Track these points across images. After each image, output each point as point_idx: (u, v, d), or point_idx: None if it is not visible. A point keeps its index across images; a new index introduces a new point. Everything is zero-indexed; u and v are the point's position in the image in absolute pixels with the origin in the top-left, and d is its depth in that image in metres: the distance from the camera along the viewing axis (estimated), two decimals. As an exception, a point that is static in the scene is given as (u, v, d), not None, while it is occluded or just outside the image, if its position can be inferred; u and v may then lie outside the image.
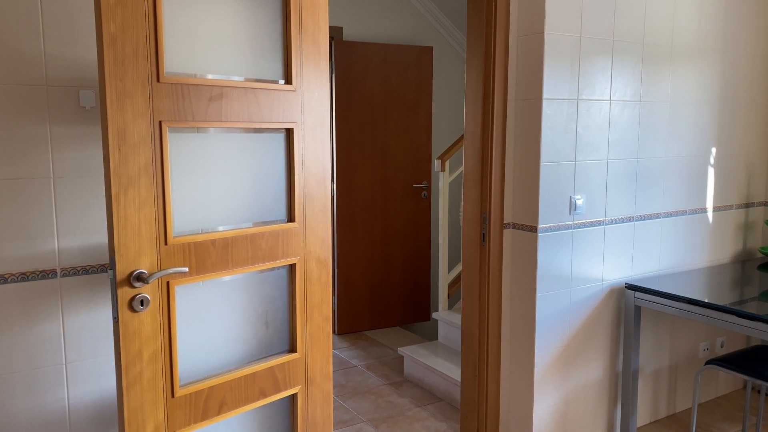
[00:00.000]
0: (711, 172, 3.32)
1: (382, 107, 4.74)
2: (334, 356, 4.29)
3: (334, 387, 3.76)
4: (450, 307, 4.27)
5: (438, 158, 4.10)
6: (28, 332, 1.93)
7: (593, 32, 2.74)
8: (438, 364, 3.67)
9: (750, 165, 3.49)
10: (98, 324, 2.03)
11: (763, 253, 3.42)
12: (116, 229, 1.60)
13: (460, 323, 3.50)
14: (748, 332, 2.51)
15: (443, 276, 4.14)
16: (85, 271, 2.00)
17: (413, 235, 4.97)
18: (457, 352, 3.83)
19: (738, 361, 2.74)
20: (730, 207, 3.44)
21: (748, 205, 3.52)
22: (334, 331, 4.77)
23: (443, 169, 4.08)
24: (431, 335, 4.73)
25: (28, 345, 1.93)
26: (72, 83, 1.93)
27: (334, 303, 4.75)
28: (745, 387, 3.68)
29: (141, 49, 1.61)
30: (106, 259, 2.03)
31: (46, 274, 1.94)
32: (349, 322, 4.79)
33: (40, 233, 1.92)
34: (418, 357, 3.78)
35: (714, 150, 3.31)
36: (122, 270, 1.62)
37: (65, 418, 2.01)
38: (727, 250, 3.46)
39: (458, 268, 4.30)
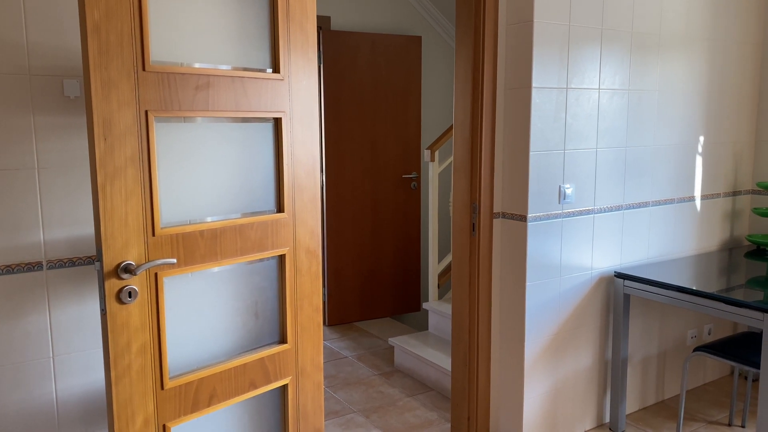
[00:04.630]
0: (699, 160, 3.34)
1: (371, 97, 4.72)
2: (324, 347, 4.29)
3: (324, 378, 3.76)
4: (440, 297, 4.28)
5: (427, 148, 4.09)
6: (14, 325, 1.90)
7: (582, 20, 2.73)
8: (428, 354, 3.68)
9: (737, 153, 3.51)
10: (86, 316, 2.01)
11: (750, 241, 3.45)
12: (103, 221, 1.58)
13: (450, 313, 3.51)
14: (735, 319, 2.53)
15: (433, 266, 4.14)
16: (72, 263, 1.97)
17: (403, 226, 4.96)
18: (447, 341, 3.84)
19: (725, 347, 2.77)
20: (718, 195, 3.46)
21: (735, 194, 3.54)
22: (324, 323, 4.77)
23: (433, 159, 4.08)
24: (422, 325, 4.74)
25: (15, 338, 1.91)
26: (56, 72, 1.90)
27: (324, 294, 4.75)
28: (732, 373, 3.72)
29: (126, 37, 1.59)
30: (93, 251, 2.00)
31: (32, 267, 1.91)
32: (340, 313, 4.79)
33: (25, 225, 1.90)
34: (408, 347, 3.79)
35: (702, 138, 3.32)
36: (109, 261, 1.60)
37: (53, 411, 1.99)
38: (714, 238, 3.49)
39: (448, 258, 4.31)
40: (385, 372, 3.86)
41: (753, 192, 3.61)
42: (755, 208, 3.36)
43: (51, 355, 1.97)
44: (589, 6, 2.75)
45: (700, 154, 3.33)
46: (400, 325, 4.83)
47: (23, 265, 1.90)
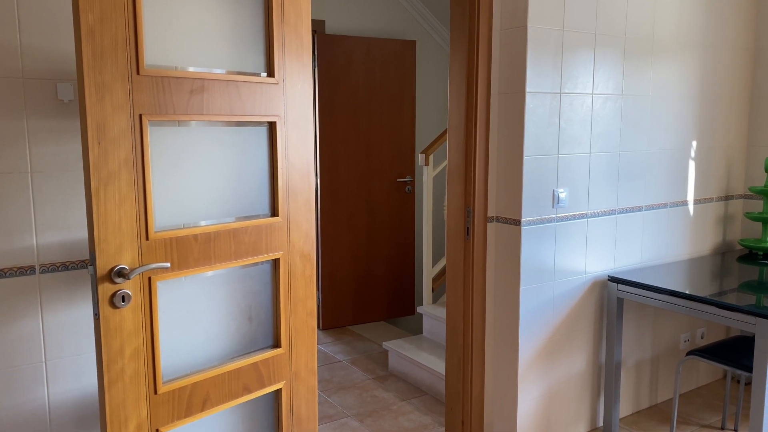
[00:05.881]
0: (692, 165, 3.35)
1: (366, 101, 4.72)
2: (318, 351, 4.28)
3: (318, 382, 3.75)
4: (434, 301, 4.28)
5: (422, 152, 4.10)
6: (6, 330, 1.89)
7: (576, 25, 2.75)
8: (423, 357, 3.68)
9: (730, 158, 3.53)
10: (79, 321, 2.00)
11: (742, 245, 3.47)
12: (96, 225, 1.58)
13: (444, 317, 3.50)
14: (728, 323, 2.54)
15: (428, 270, 4.14)
16: (65, 267, 1.96)
17: (398, 230, 4.96)
18: (441, 345, 3.84)
19: (718, 351, 2.78)
20: (711, 200, 3.48)
21: (727, 198, 3.56)
22: (318, 326, 4.76)
23: (427, 163, 4.08)
24: (416, 329, 4.74)
25: (7, 343, 1.90)
26: (49, 76, 1.90)
27: (318, 298, 4.74)
28: (725, 377, 3.74)
29: (120, 41, 1.58)
30: (86, 255, 2.00)
31: (25, 271, 1.90)
32: (334, 317, 4.78)
33: (18, 229, 1.89)
34: (402, 351, 3.79)
35: (695, 143, 3.34)
36: (103, 266, 1.60)
37: (45, 416, 1.98)
38: (707, 242, 3.50)
39: (443, 262, 4.31)
40: (380, 376, 3.86)
41: (745, 196, 3.63)
42: (747, 213, 3.38)
43: (43, 360, 1.96)
44: (583, 11, 2.76)
45: (692, 159, 3.35)
46: (395, 328, 4.82)
47: (15, 269, 1.89)
